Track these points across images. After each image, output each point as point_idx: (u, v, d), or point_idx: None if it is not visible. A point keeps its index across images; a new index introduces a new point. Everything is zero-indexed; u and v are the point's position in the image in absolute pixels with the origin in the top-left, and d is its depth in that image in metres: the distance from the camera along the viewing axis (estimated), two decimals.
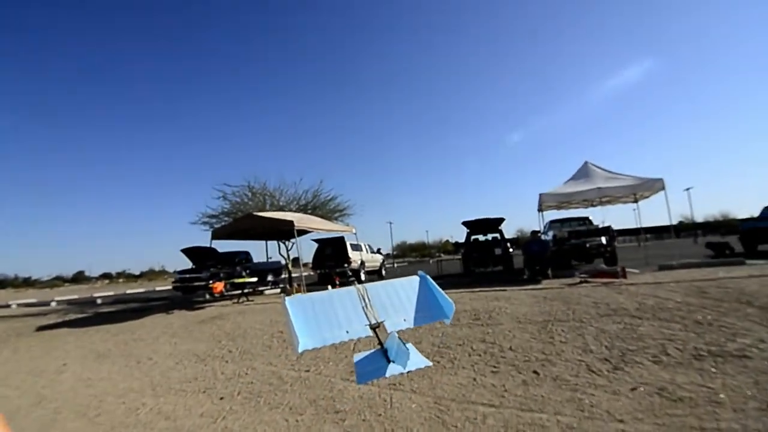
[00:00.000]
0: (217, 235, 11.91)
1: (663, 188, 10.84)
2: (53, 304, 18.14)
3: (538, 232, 10.54)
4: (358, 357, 1.81)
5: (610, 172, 11.94)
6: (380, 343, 1.81)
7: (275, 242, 15.38)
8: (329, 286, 13.69)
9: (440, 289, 1.92)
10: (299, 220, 11.19)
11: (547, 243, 10.27)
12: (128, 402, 3.97)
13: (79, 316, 11.86)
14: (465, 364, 4.18)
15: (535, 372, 3.81)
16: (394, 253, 70.93)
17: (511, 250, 14.35)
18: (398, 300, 1.92)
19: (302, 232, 13.43)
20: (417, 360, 1.68)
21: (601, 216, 21.70)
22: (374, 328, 1.76)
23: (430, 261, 55.45)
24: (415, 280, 2.01)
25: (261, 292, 14.37)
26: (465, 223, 14.74)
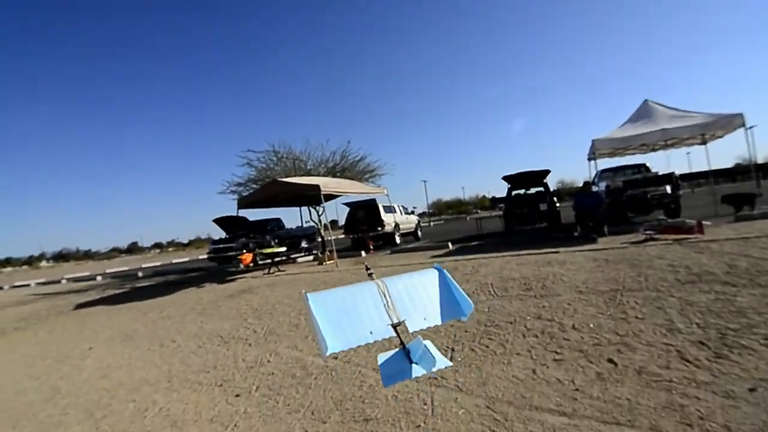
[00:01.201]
0: (243, 203, 11.58)
1: (743, 125, 9.35)
2: (99, 278, 18.94)
3: (590, 182, 9.43)
4: (381, 358, 1.82)
5: (675, 109, 10.43)
6: (402, 344, 1.79)
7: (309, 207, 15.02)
8: (362, 252, 13.27)
9: (457, 285, 1.94)
10: (326, 184, 10.60)
11: (601, 195, 9.19)
12: (139, 400, 3.63)
13: (118, 291, 12.11)
14: (520, 348, 3.52)
15: (610, 361, 3.10)
16: (430, 211, 70.14)
17: (557, 204, 13.27)
18: (417, 296, 1.92)
19: (331, 197, 12.90)
20: (439, 362, 1.71)
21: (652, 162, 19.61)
22: (396, 326, 1.76)
23: (467, 218, 54.41)
24: (433, 273, 2.02)
25: (293, 260, 14.19)
26: (506, 178, 13.69)
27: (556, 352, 3.36)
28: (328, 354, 1.57)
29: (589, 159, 12.68)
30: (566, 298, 4.60)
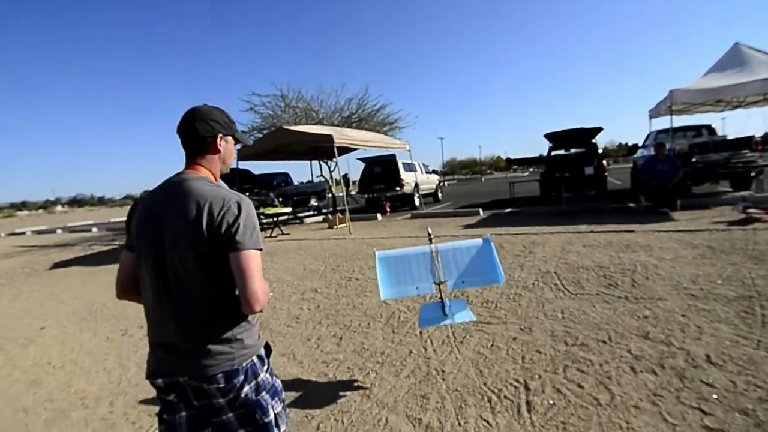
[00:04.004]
0: (243, 154, 10.29)
1: None
2: (94, 230, 18.21)
3: (664, 145, 7.89)
4: (423, 308, 2.81)
5: None
6: (441, 298, 2.66)
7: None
8: (378, 215, 12.04)
9: (497, 258, 2.65)
10: (339, 134, 9.23)
11: (677, 161, 7.67)
12: None
13: (104, 248, 11.21)
14: (636, 395, 2.30)
15: None
16: (443, 170, 68.34)
17: (606, 169, 11.73)
18: (462, 262, 2.68)
19: (345, 150, 11.52)
20: (464, 315, 2.62)
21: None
22: (438, 284, 2.63)
23: (482, 179, 52.57)
24: (479, 242, 2.74)
25: (301, 221, 13.07)
26: (548, 136, 12.11)
27: (702, 410, 2.14)
28: (383, 299, 2.65)
29: (652, 116, 11.03)
30: (675, 305, 3.34)
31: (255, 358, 1.30)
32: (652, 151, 10.90)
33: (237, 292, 1.23)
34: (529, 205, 11.55)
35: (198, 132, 1.31)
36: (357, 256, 6.48)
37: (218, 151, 1.36)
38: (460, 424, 2.21)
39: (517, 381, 2.56)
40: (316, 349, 3.37)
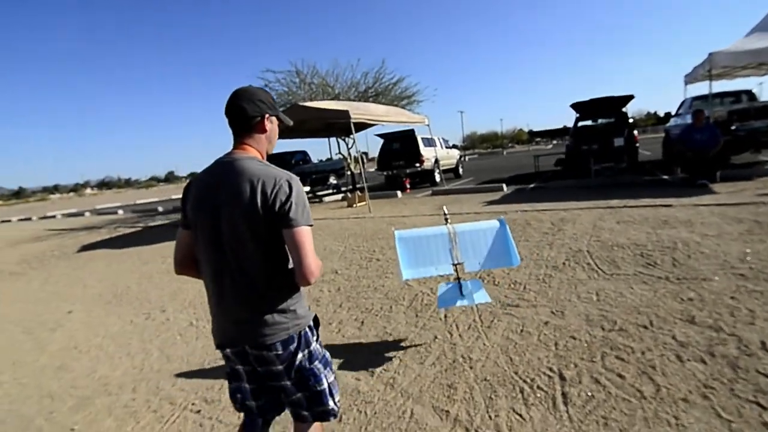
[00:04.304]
0: None
1: None
2: (120, 212, 18.62)
3: (703, 112, 7.37)
4: (441, 287, 2.84)
5: None
6: (458, 278, 2.77)
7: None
8: (398, 192, 11.85)
9: (513, 240, 2.76)
10: (356, 109, 8.98)
11: (717, 130, 7.16)
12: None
13: (129, 230, 11.41)
14: (684, 388, 2.11)
15: None
16: (463, 144, 67.11)
17: (638, 140, 11.16)
18: (478, 243, 2.76)
19: (362, 126, 11.28)
20: (481, 296, 2.76)
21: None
22: (456, 265, 2.71)
23: (504, 152, 51.39)
24: (495, 223, 2.83)
25: (320, 199, 12.99)
26: (575, 106, 11.56)
27: (760, 405, 1.94)
28: (404, 279, 2.79)
29: (688, 82, 10.36)
30: (723, 287, 3.10)
31: (307, 329, 1.40)
32: (687, 120, 10.31)
33: (290, 266, 1.32)
34: (555, 179, 11.14)
35: (246, 112, 1.35)
36: (377, 235, 6.35)
37: (265, 131, 1.41)
38: (490, 418, 2.07)
39: (550, 370, 2.41)
40: (338, 334, 3.28)
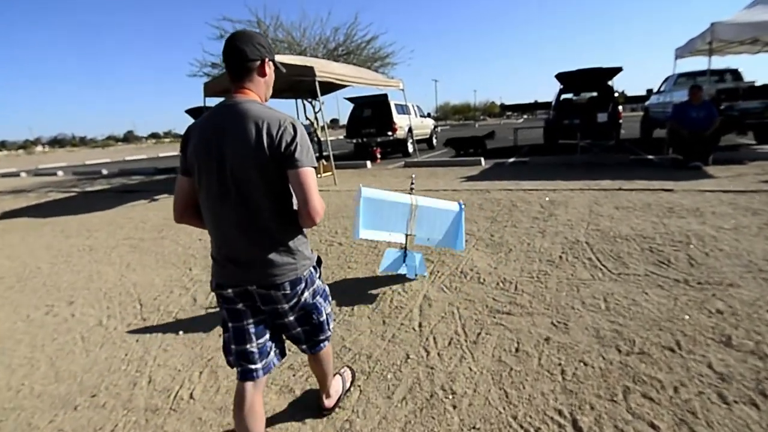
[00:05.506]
0: (211, 90, 9.03)
1: None
2: (60, 173, 16.98)
3: (701, 88, 6.90)
4: (387, 252, 3.07)
5: None
6: (404, 248, 3.02)
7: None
8: (368, 162, 11.07)
9: (463, 227, 3.03)
10: (323, 67, 8.04)
11: (714, 108, 6.71)
12: None
13: (61, 196, 10.18)
14: None
15: None
16: (436, 115, 66.18)
17: (621, 116, 10.73)
18: (434, 222, 2.94)
19: (330, 87, 10.29)
20: (421, 269, 3.13)
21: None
22: (407, 236, 2.91)
23: (476, 125, 50.94)
24: (454, 206, 3.01)
25: None
26: (560, 76, 10.96)
27: None
28: (358, 237, 2.62)
29: (679, 56, 9.92)
30: (755, 296, 2.59)
31: (311, 268, 1.50)
32: (673, 98, 9.92)
33: (295, 207, 1.40)
34: (535, 154, 10.64)
35: (247, 55, 1.33)
36: (341, 213, 5.64)
37: (265, 75, 1.42)
38: None
39: (560, 414, 1.82)
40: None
